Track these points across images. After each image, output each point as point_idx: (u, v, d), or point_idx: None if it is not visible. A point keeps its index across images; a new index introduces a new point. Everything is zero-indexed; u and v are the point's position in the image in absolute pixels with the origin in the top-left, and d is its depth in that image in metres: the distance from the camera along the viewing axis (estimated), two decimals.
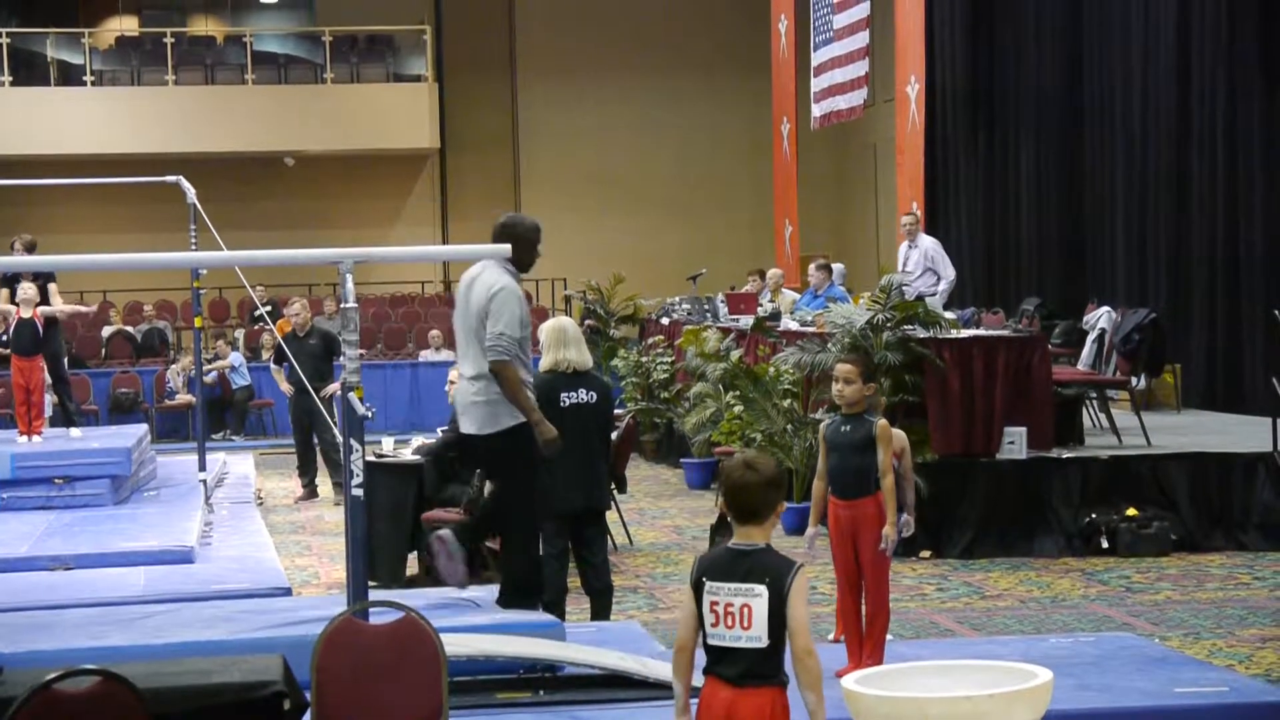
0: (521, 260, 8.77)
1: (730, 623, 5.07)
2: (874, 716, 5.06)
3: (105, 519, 13.32)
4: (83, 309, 15.99)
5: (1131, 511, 12.62)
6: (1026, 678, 5.14)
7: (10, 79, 28.95)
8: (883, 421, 8.31)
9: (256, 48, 30.57)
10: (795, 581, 5.09)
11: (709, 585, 5.13)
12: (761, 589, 5.06)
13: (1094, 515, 12.66)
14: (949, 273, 17.03)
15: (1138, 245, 19.42)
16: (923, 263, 17.07)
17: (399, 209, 31.66)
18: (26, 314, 15.28)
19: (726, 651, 5.09)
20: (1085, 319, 16.86)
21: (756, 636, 5.04)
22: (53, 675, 5.21)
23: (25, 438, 15.39)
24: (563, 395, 9.42)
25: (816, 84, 22.07)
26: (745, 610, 5.06)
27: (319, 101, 29.68)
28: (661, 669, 7.94)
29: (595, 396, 9.53)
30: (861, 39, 20.45)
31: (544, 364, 9.63)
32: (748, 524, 5.20)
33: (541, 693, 7.68)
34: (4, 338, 24.03)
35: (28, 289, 15.42)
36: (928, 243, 17.29)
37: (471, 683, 7.54)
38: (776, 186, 24.77)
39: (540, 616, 8.61)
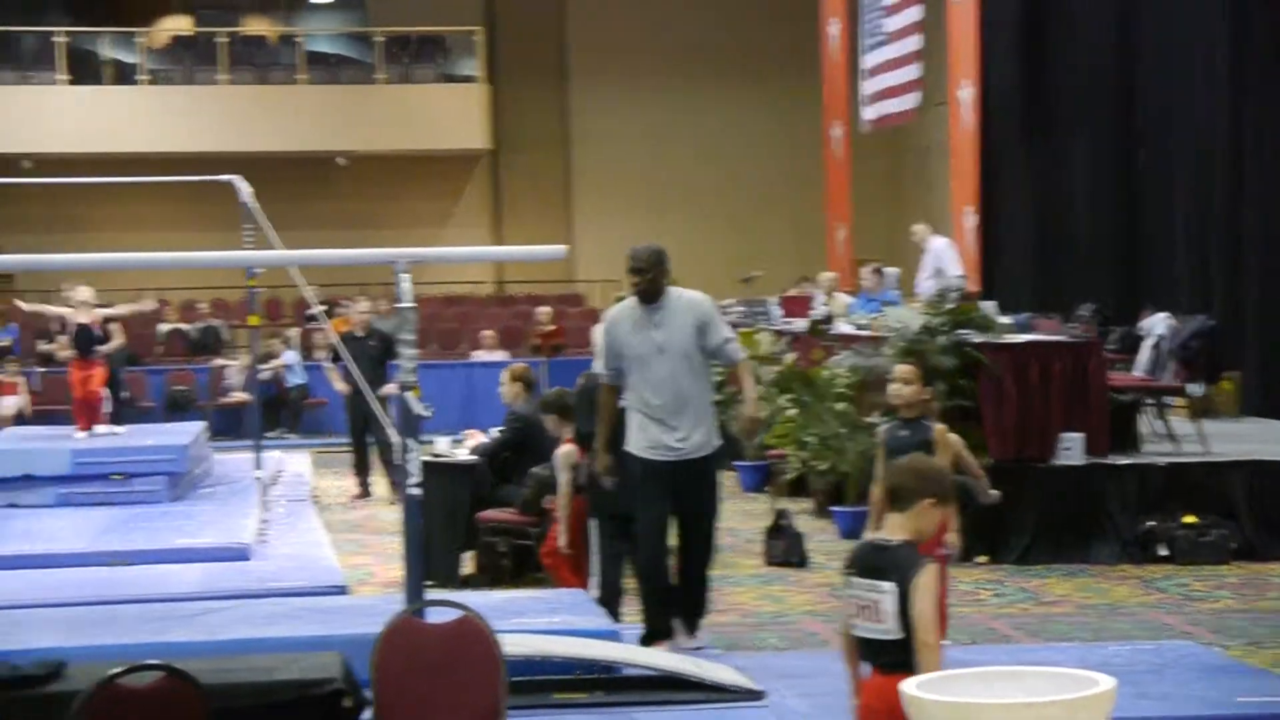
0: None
1: (867, 615, 5.33)
2: None
3: (162, 516, 13.39)
4: (143, 307, 16.08)
5: (1189, 519, 12.53)
6: (1088, 684, 5.10)
7: (66, 78, 29.12)
8: (940, 426, 8.29)
9: (309, 48, 30.70)
10: (920, 578, 5.29)
11: (852, 580, 5.40)
12: (889, 585, 5.28)
13: (1152, 522, 12.57)
14: (954, 270, 16.96)
15: (1195, 250, 19.30)
16: (932, 264, 17.07)
17: (451, 210, 31.72)
18: (84, 318, 15.35)
19: (869, 641, 5.37)
20: (1141, 324, 16.76)
21: (888, 629, 5.29)
22: (117, 670, 5.24)
23: (84, 433, 15.51)
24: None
25: (869, 87, 22.02)
26: (877, 604, 5.29)
27: (371, 102, 29.76)
28: (717, 671, 7.94)
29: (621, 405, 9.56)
30: (915, 42, 20.39)
31: (598, 365, 9.65)
32: (891, 509, 5.44)
33: (598, 693, 7.69)
34: (61, 337, 24.24)
35: (83, 291, 15.50)
36: (938, 244, 17.30)
37: (528, 683, 7.54)
38: (829, 190, 24.73)
39: (598, 618, 8.62)
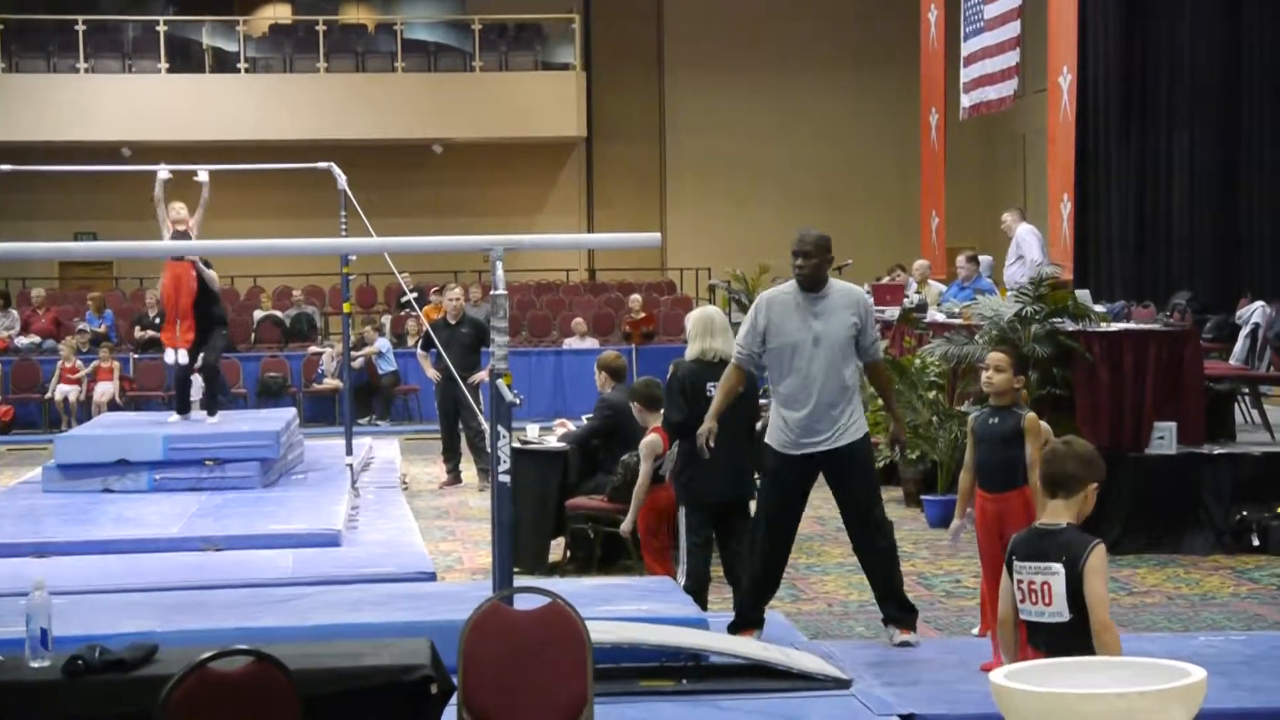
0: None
1: (1035, 599, 5.43)
2: (1024, 712, 5.00)
3: (254, 501, 13.48)
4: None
5: None
6: (1179, 675, 5.06)
7: (166, 66, 29.41)
8: (1031, 414, 8.23)
9: (406, 36, 30.82)
10: (1090, 559, 5.40)
11: (1016, 564, 5.49)
12: (1059, 567, 5.39)
13: (1245, 512, 12.45)
14: (1033, 254, 16.79)
15: None
16: (1014, 251, 16.94)
17: (545, 197, 31.80)
18: (181, 227, 15.40)
19: (1037, 626, 5.47)
20: (1238, 313, 16.60)
21: (1058, 612, 5.40)
22: (207, 654, 5.28)
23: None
24: (709, 385, 9.43)
25: (966, 74, 21.86)
26: (1046, 587, 5.39)
27: (468, 90, 29.86)
28: (804, 660, 7.93)
29: (742, 386, 9.50)
30: (1013, 29, 20.21)
31: (691, 352, 9.65)
32: (1055, 497, 5.53)
33: (684, 681, 7.69)
34: (157, 320, 24.49)
35: (179, 208, 15.54)
36: (1020, 230, 17.13)
37: (615, 670, 7.55)
38: (924, 177, 24.57)
39: (686, 606, 8.62)
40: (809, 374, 8.64)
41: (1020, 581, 5.45)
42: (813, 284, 8.77)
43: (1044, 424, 8.39)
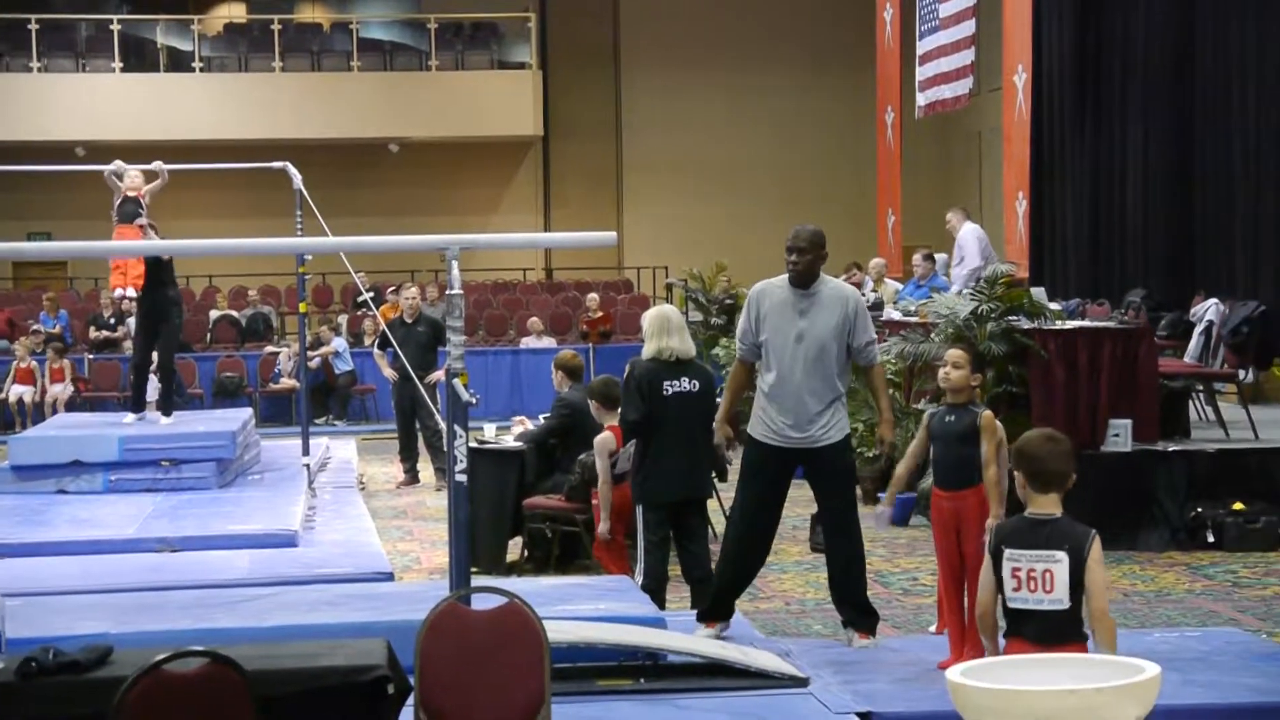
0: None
1: (1033, 587, 5.52)
2: (979, 709, 5.02)
3: (210, 502, 13.43)
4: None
5: (1238, 506, 12.47)
6: (1134, 672, 5.09)
7: (120, 65, 29.29)
8: (987, 413, 8.24)
9: (362, 35, 30.78)
10: (1094, 548, 5.58)
11: (1009, 553, 5.56)
12: (1062, 555, 5.51)
13: (1200, 509, 12.52)
14: (972, 259, 16.78)
15: (1247, 237, 19.18)
16: (959, 251, 16.97)
17: (501, 196, 31.78)
18: (134, 193, 15.30)
19: (1029, 614, 5.54)
20: (1192, 311, 16.68)
21: (1058, 599, 5.51)
22: (162, 656, 5.26)
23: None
24: (665, 384, 9.43)
25: (922, 72, 21.92)
26: (1047, 575, 5.49)
27: (424, 89, 29.83)
28: (762, 658, 7.94)
29: (698, 385, 9.51)
30: (968, 27, 20.28)
31: (648, 351, 9.63)
32: (1047, 492, 5.64)
33: (642, 680, 7.69)
34: (112, 319, 24.37)
35: (135, 175, 15.43)
36: (964, 231, 17.13)
37: (573, 669, 7.55)
38: (880, 176, 24.63)
39: (643, 605, 8.62)
40: (791, 370, 8.59)
41: (1016, 570, 5.51)
42: (804, 280, 8.68)
43: (998, 422, 8.40)
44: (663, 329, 9.64)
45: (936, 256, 18.91)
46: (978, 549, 8.09)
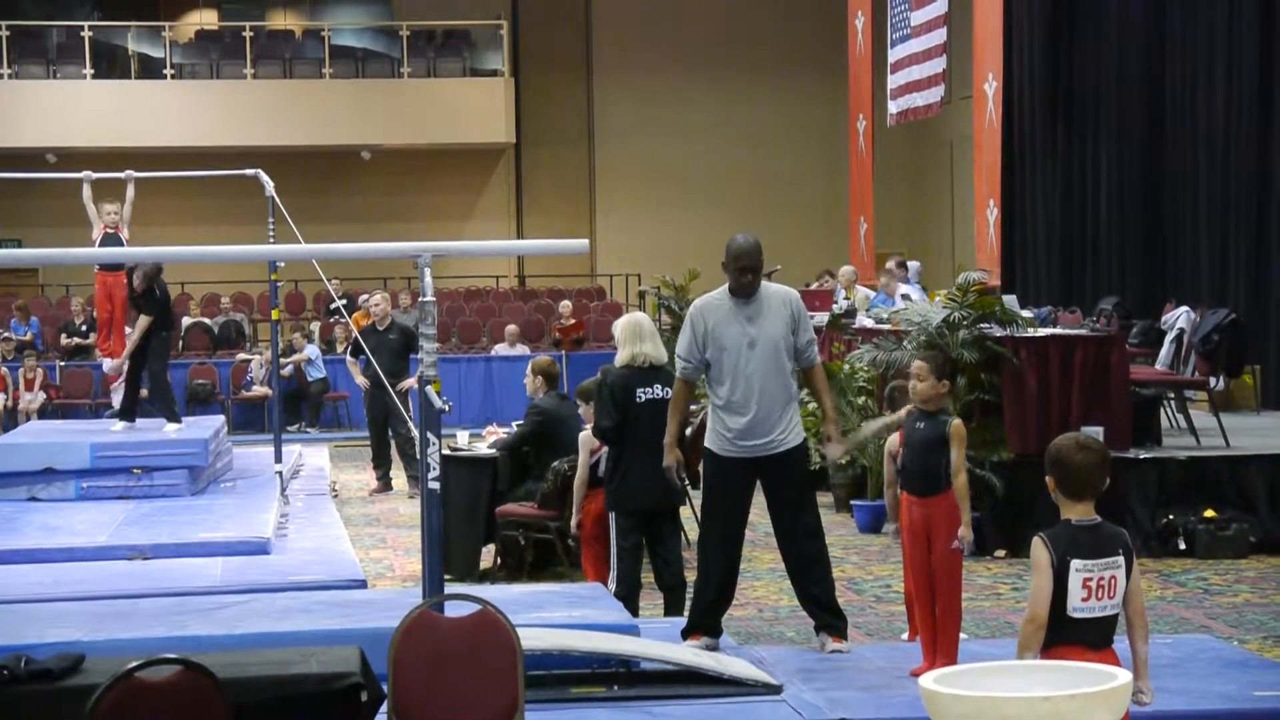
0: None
1: (1100, 595, 5.48)
2: (951, 716, 5.02)
3: (182, 509, 13.38)
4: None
5: (1209, 513, 12.51)
6: (1106, 679, 5.10)
7: (91, 72, 29.22)
8: (956, 421, 8.24)
9: (334, 42, 30.74)
10: (1133, 554, 5.59)
11: (1079, 564, 5.47)
12: (1121, 560, 5.50)
13: (1171, 516, 12.56)
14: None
15: (1218, 245, 19.27)
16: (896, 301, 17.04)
17: (474, 203, 31.76)
18: (112, 230, 15.16)
19: (1090, 623, 5.48)
20: (1164, 319, 16.74)
21: (1118, 603, 5.50)
22: (134, 663, 5.25)
23: (107, 359, 15.46)
24: (639, 391, 9.45)
25: (893, 81, 21.98)
26: (1113, 581, 5.47)
27: (396, 96, 29.82)
28: (735, 665, 7.94)
29: (670, 392, 9.53)
30: (939, 35, 20.34)
31: (621, 359, 9.65)
32: (1086, 500, 5.57)
33: (616, 688, 7.69)
34: (84, 327, 24.31)
35: (111, 210, 15.24)
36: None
37: (547, 677, 7.55)
38: (852, 183, 24.68)
39: (617, 612, 8.62)
40: (748, 378, 8.57)
41: (1088, 580, 5.47)
42: (749, 291, 8.69)
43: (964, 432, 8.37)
44: (636, 336, 9.65)
45: (909, 264, 18.95)
46: (946, 555, 8.12)
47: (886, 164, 25.99)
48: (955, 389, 8.50)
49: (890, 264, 18.76)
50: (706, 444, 8.84)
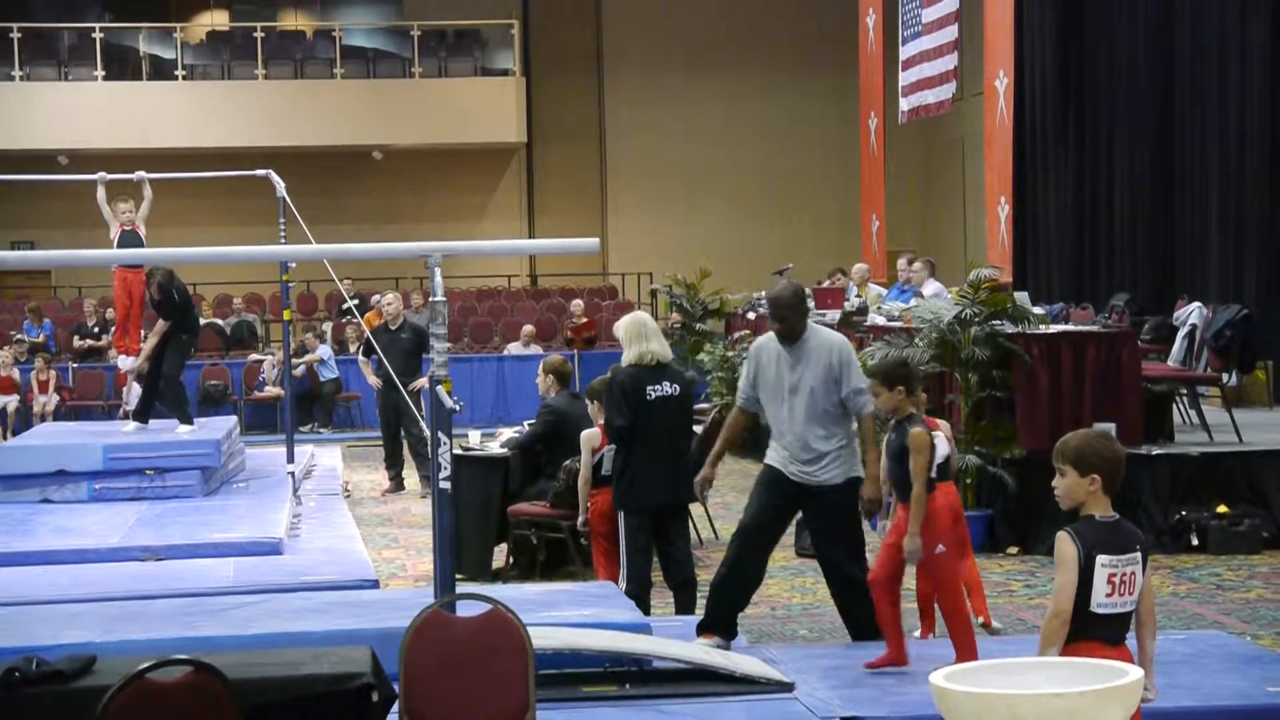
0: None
1: (1122, 591, 5.47)
2: (963, 713, 5.02)
3: (195, 510, 13.40)
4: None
5: (1222, 509, 12.50)
6: (1117, 675, 5.09)
7: (103, 73, 29.25)
8: (915, 429, 8.17)
9: (345, 42, 30.75)
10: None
11: (1105, 559, 5.45)
12: (1139, 555, 5.50)
13: (1184, 512, 12.54)
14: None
15: (1230, 241, 19.23)
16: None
17: (486, 203, 31.77)
18: (129, 227, 15.16)
19: (1113, 618, 5.47)
20: (1176, 315, 16.68)
21: (1135, 600, 5.49)
22: (145, 665, 5.25)
23: (123, 356, 15.49)
24: (649, 388, 9.46)
25: (905, 78, 21.96)
26: (1132, 577, 5.47)
27: (407, 96, 29.82)
28: (747, 663, 7.94)
29: (679, 389, 9.57)
30: (950, 33, 20.32)
31: (628, 358, 9.64)
32: (1110, 494, 5.56)
33: (628, 686, 7.69)
34: (96, 329, 24.34)
35: (126, 207, 15.26)
36: (931, 287, 17.13)
37: (558, 676, 7.55)
38: (863, 181, 24.67)
39: (629, 611, 8.62)
40: (790, 421, 8.68)
41: (1113, 576, 5.46)
42: (790, 338, 8.79)
43: (915, 429, 8.25)
44: (640, 334, 9.67)
45: (925, 261, 18.88)
46: (934, 561, 8.11)
47: (898, 161, 25.97)
48: (915, 390, 8.39)
49: (901, 261, 18.74)
50: (766, 459, 8.91)
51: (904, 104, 22.10)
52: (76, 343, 25.44)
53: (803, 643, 9.50)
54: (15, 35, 28.85)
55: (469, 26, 31.33)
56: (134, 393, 16.70)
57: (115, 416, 20.63)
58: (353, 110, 29.37)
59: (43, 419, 22.46)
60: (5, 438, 21.40)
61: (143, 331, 15.90)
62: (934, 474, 8.23)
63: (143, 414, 15.54)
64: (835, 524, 8.79)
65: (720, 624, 8.85)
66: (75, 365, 24.83)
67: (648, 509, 9.45)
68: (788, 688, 7.68)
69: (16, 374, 23.71)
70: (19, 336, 25.40)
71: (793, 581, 11.54)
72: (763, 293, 21.47)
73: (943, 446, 9.12)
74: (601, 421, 10.56)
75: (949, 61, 20.48)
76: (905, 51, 21.93)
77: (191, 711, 5.27)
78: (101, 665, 5.82)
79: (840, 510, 8.75)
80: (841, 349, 8.79)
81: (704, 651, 8.16)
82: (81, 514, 13.23)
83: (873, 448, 8.72)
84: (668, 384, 9.53)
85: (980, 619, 9.42)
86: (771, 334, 8.96)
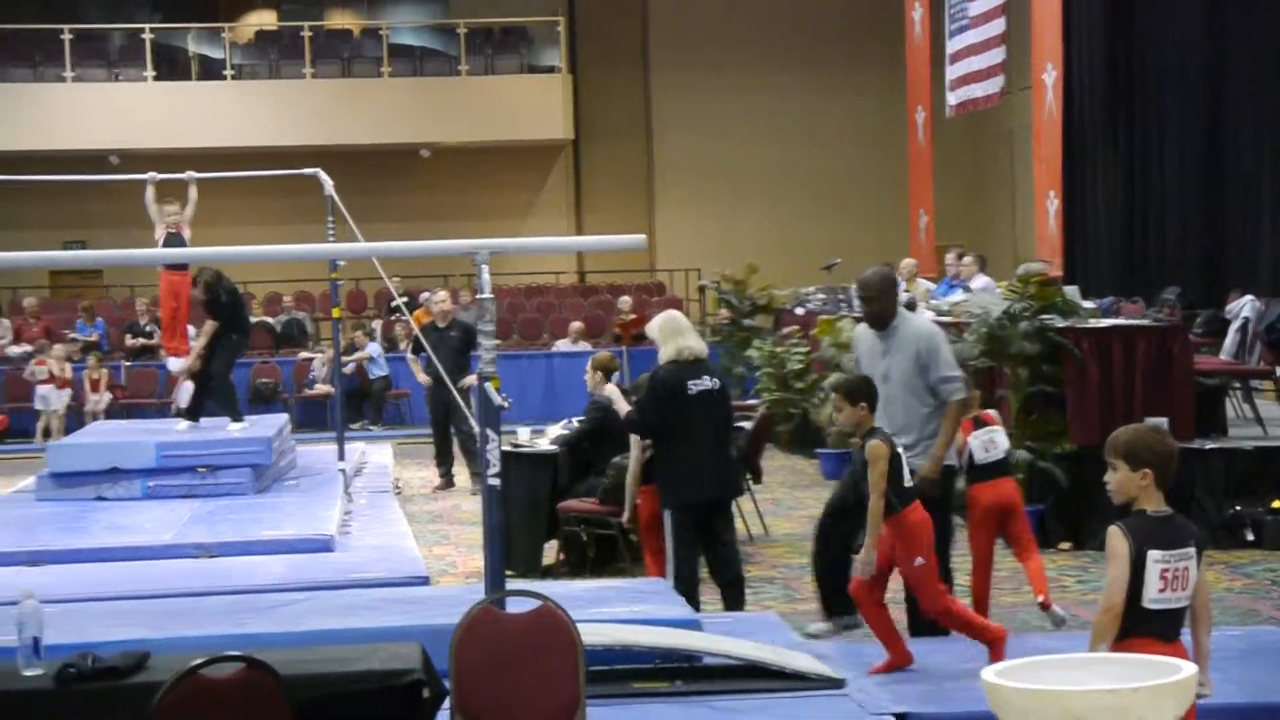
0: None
1: (1175, 586, 5.44)
2: (1017, 710, 5.00)
3: (247, 508, 13.45)
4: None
5: (1277, 504, 12.41)
6: (1171, 671, 5.06)
7: (153, 74, 29.39)
8: (871, 442, 8.09)
9: (392, 41, 30.82)
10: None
11: (1157, 554, 5.43)
12: (1192, 550, 5.47)
13: (1238, 507, 12.46)
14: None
15: None
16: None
17: (533, 200, 31.78)
18: (174, 229, 15.24)
19: (1166, 614, 5.44)
20: (1228, 308, 16.62)
21: (1189, 595, 5.46)
22: (198, 661, 5.28)
23: (173, 358, 15.59)
24: (689, 383, 9.52)
25: (952, 72, 21.90)
26: (1186, 572, 5.44)
27: (454, 94, 29.86)
28: (798, 660, 7.92)
29: (718, 383, 9.61)
30: (997, 26, 20.26)
31: (666, 354, 9.67)
32: (1163, 489, 5.55)
33: (678, 683, 7.68)
34: (149, 328, 24.45)
35: (173, 209, 15.33)
36: (980, 281, 17.05)
37: (608, 672, 7.54)
38: (911, 175, 24.62)
39: (679, 607, 8.62)
40: (884, 408, 8.66)
41: (1165, 571, 5.43)
42: (879, 322, 8.90)
43: (873, 442, 8.20)
44: (675, 331, 9.72)
45: (980, 256, 18.82)
46: (913, 573, 8.10)
47: (945, 156, 25.88)
48: (850, 412, 8.42)
49: (950, 256, 18.70)
50: None
51: (952, 98, 22.04)
52: (129, 341, 25.56)
53: (854, 639, 9.47)
54: (66, 37, 29.02)
55: (515, 24, 31.35)
56: (185, 391, 16.76)
57: (167, 414, 20.72)
58: (400, 109, 29.44)
59: (95, 418, 22.58)
60: (53, 435, 21.57)
61: (191, 328, 15.97)
62: (964, 473, 8.22)
63: (194, 413, 15.62)
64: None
65: (834, 606, 9.04)
66: (127, 364, 24.95)
67: (693, 505, 9.44)
68: (839, 684, 7.67)
69: (70, 371, 23.85)
70: (72, 335, 25.55)
71: None
72: (811, 288, 21.48)
73: (1001, 441, 9.12)
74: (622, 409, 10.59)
75: (996, 55, 20.42)
76: (953, 45, 21.87)
77: (243, 707, 5.29)
78: (154, 661, 5.84)
79: (930, 499, 8.69)
80: (929, 336, 8.87)
81: (754, 648, 8.15)
82: (135, 511, 13.31)
83: (947, 434, 8.78)
84: (707, 379, 9.59)
85: (1040, 598, 9.38)
86: (865, 324, 9.13)
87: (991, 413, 9.53)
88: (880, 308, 8.87)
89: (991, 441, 9.24)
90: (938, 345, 8.85)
